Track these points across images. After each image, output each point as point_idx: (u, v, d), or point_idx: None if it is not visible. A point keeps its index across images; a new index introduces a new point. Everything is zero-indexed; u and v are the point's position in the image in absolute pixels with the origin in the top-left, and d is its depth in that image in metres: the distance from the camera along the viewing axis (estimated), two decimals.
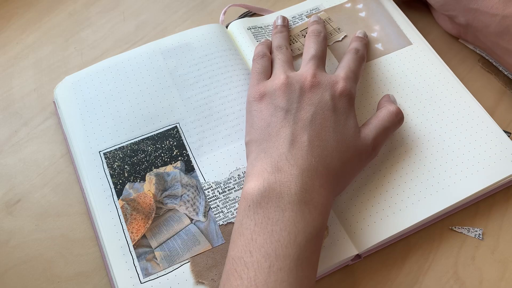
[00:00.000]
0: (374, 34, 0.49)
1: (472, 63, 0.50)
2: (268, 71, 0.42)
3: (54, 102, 0.46)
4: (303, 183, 0.34)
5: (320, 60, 0.42)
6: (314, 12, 0.51)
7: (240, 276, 0.30)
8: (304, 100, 0.38)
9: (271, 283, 0.29)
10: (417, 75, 0.46)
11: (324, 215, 0.34)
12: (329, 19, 0.50)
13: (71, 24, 0.53)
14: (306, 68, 0.41)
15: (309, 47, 0.43)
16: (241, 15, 0.53)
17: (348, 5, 0.51)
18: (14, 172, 0.43)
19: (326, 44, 0.45)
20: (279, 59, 0.43)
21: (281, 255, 0.31)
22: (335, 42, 0.48)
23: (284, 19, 0.48)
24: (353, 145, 0.38)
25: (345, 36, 0.49)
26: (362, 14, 0.50)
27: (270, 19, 0.51)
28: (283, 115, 0.37)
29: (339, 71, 0.42)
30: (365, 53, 0.46)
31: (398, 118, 0.41)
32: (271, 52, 0.45)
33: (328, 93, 0.39)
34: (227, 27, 0.50)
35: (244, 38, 0.49)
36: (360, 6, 0.51)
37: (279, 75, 0.40)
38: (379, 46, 0.48)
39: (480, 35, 0.47)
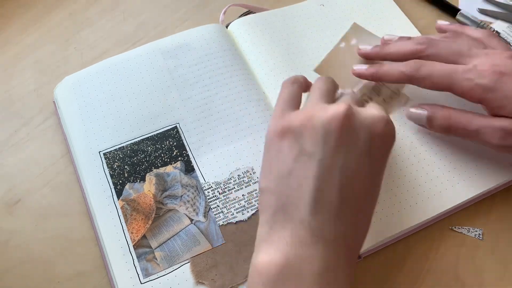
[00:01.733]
0: None
1: None
2: (298, 100, 0.36)
3: (54, 102, 0.46)
4: (328, 260, 0.28)
5: (354, 95, 0.36)
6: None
7: None
8: (335, 142, 0.30)
9: None
10: None
11: None
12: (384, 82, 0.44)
13: (71, 24, 0.53)
14: (340, 102, 0.33)
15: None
16: (242, 15, 0.53)
17: (342, 45, 0.46)
18: (14, 172, 0.43)
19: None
20: (317, 87, 0.36)
21: None
22: (400, 108, 0.43)
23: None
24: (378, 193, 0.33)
25: (408, 98, 0.43)
26: None
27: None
28: (308, 161, 0.30)
29: (372, 109, 0.34)
30: None
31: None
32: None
33: (365, 133, 0.31)
34: (227, 27, 0.50)
35: (243, 38, 0.49)
36: (354, 42, 0.46)
37: (310, 108, 0.33)
38: None
39: None
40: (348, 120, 0.31)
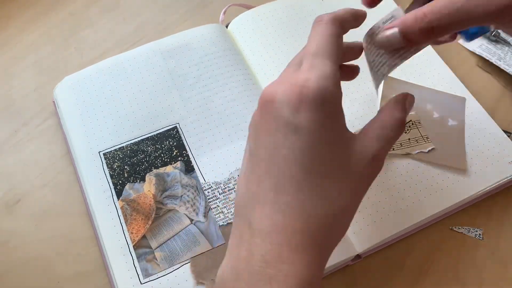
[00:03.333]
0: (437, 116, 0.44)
1: (472, 64, 0.50)
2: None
3: (54, 102, 0.46)
4: (265, 252, 0.25)
5: (300, 55, 0.30)
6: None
7: None
8: (262, 128, 0.28)
9: None
10: (415, 74, 0.46)
11: None
12: (419, 122, 0.43)
13: (71, 24, 0.53)
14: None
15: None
16: None
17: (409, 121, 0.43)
18: (14, 172, 0.43)
19: (332, 35, 0.30)
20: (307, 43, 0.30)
21: None
22: (419, 152, 0.41)
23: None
24: (342, 171, 0.28)
25: (433, 149, 0.41)
26: (413, 113, 0.44)
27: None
28: (249, 157, 0.29)
29: (304, 59, 0.29)
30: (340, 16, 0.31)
31: (401, 130, 0.30)
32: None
33: (287, 108, 0.27)
34: (227, 27, 0.50)
35: (243, 38, 0.48)
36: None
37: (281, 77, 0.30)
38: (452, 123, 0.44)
39: None
40: (267, 100, 0.28)
